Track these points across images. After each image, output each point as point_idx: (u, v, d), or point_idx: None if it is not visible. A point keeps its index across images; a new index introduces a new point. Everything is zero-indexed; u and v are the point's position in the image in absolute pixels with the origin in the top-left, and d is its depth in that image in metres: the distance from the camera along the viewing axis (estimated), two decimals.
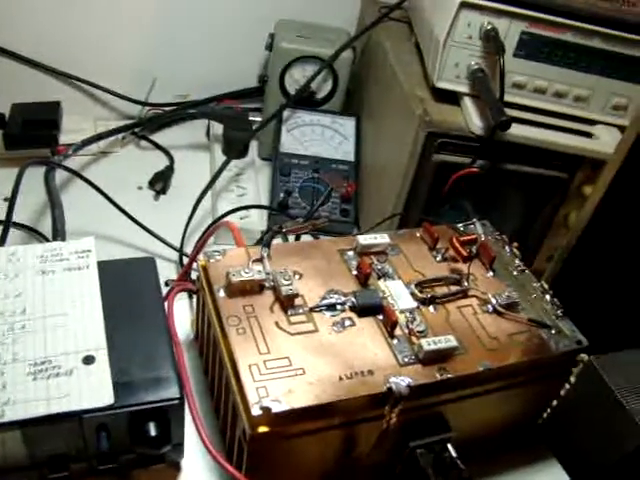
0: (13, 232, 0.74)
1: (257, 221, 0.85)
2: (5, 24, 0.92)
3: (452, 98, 0.74)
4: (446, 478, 0.49)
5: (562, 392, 0.58)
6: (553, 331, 0.54)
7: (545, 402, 0.57)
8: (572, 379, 0.58)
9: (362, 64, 0.95)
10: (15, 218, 0.74)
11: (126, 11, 0.95)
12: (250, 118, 0.95)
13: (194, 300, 0.64)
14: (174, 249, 0.81)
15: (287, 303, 0.50)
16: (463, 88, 0.73)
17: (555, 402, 0.58)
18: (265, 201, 0.90)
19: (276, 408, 0.44)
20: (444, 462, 0.50)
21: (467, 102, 0.72)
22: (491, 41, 0.69)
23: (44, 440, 0.45)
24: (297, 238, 0.71)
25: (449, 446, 0.50)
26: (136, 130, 0.98)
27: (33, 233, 0.80)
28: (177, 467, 0.52)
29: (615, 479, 0.56)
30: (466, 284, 0.55)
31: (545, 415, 0.58)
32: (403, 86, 0.77)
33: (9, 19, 0.92)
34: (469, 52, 0.71)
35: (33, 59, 0.95)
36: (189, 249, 0.81)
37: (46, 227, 0.80)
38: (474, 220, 0.62)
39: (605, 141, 0.73)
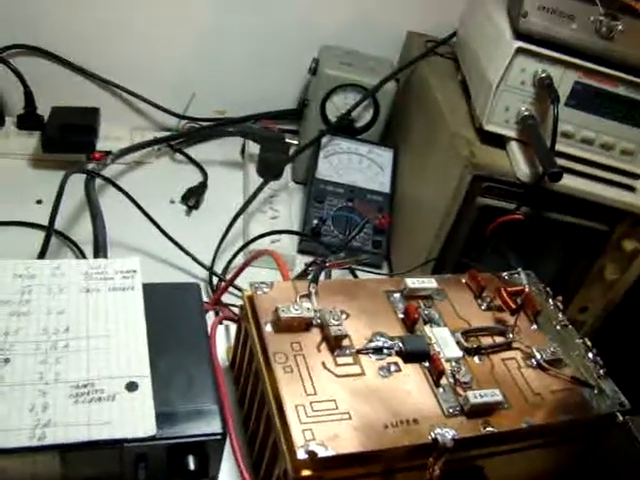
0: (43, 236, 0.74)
1: (288, 246, 0.84)
2: (51, 27, 0.92)
3: (498, 141, 0.73)
4: None
5: (598, 452, 0.57)
6: (595, 391, 0.53)
7: (582, 461, 0.57)
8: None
9: (404, 96, 0.94)
10: (46, 222, 0.74)
11: (173, 24, 0.96)
12: (286, 140, 0.95)
13: (230, 326, 0.64)
14: (205, 268, 0.80)
15: (335, 344, 0.50)
16: (511, 133, 0.72)
17: (593, 461, 0.57)
18: (297, 225, 0.89)
19: (322, 453, 0.43)
20: None
21: (514, 147, 0.72)
22: (544, 89, 0.69)
23: (81, 464, 0.45)
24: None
25: None
26: (172, 143, 0.97)
27: (66, 241, 0.80)
28: None
29: None
30: (511, 336, 0.55)
31: (582, 474, 0.58)
32: (449, 125, 0.76)
33: (55, 22, 0.92)
34: (520, 97, 0.71)
35: (76, 63, 0.95)
36: (218, 268, 0.81)
37: (80, 235, 0.80)
38: (519, 270, 0.61)
39: None
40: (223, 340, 0.62)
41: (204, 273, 0.81)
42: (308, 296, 0.53)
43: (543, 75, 0.69)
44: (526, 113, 0.71)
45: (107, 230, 0.69)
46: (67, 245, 0.80)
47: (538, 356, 0.54)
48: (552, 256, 0.76)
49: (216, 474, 0.49)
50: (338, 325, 0.50)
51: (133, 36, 0.95)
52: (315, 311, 0.51)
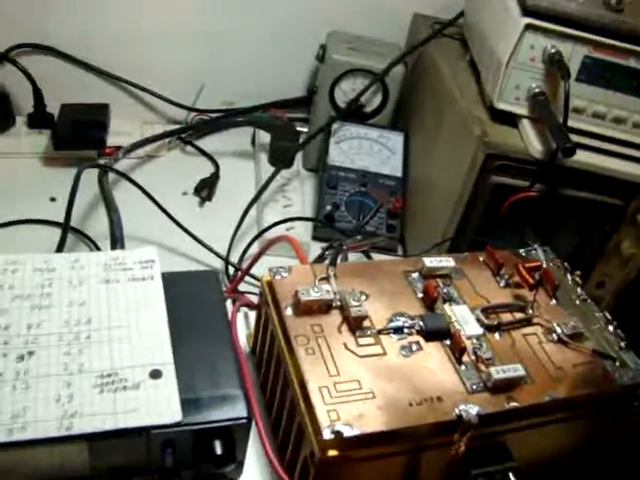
0: (58, 233, 0.74)
1: (302, 233, 0.84)
2: (56, 25, 0.92)
3: (509, 119, 0.73)
4: None
5: (622, 425, 0.57)
6: (617, 363, 0.53)
7: (605, 434, 0.57)
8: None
9: (412, 79, 0.94)
10: (60, 219, 0.74)
11: (178, 16, 0.95)
12: (297, 128, 0.95)
13: (249, 314, 0.64)
14: (221, 258, 0.80)
15: (356, 324, 0.50)
16: (522, 110, 0.72)
17: (615, 435, 0.57)
18: (310, 213, 0.90)
19: (347, 432, 0.43)
20: None
21: (526, 125, 0.72)
22: (555, 65, 0.68)
23: (108, 453, 0.45)
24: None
25: (511, 475, 0.50)
26: (182, 135, 0.97)
27: (80, 235, 0.80)
28: None
29: None
30: (531, 312, 0.55)
31: (604, 447, 0.58)
32: (459, 104, 0.76)
33: (60, 20, 0.92)
34: (530, 74, 0.70)
35: (83, 60, 0.95)
36: (233, 257, 0.81)
37: (94, 230, 0.80)
38: (535, 246, 0.61)
39: None
40: (243, 327, 0.63)
41: (220, 263, 0.81)
42: (327, 279, 0.53)
43: (553, 51, 0.69)
44: (537, 90, 0.70)
45: (123, 229, 0.69)
46: (82, 241, 0.80)
47: (559, 330, 0.54)
48: (568, 232, 0.76)
49: (243, 459, 0.49)
50: (358, 306, 0.50)
51: (139, 31, 0.95)
52: (335, 293, 0.51)
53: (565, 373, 0.51)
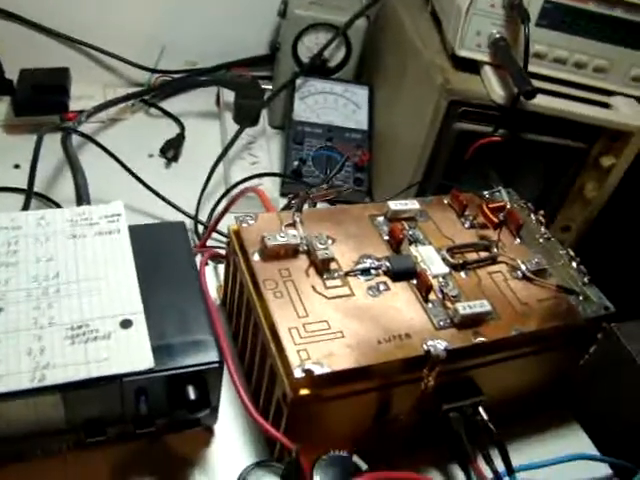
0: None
1: (270, 189, 0.85)
2: None
3: (471, 67, 0.73)
4: (477, 440, 0.50)
5: (585, 359, 0.58)
6: (581, 297, 0.54)
7: (570, 368, 0.58)
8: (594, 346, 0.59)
9: (375, 32, 0.94)
10: (24, 185, 0.73)
11: None
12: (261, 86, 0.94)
13: (218, 267, 0.64)
14: (189, 217, 0.80)
15: (323, 267, 0.50)
16: (484, 57, 0.72)
17: (579, 368, 0.59)
18: (277, 170, 0.90)
19: (318, 371, 0.44)
20: (476, 425, 0.51)
21: (487, 71, 0.72)
22: (515, 9, 0.69)
23: (83, 403, 0.45)
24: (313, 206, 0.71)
25: (480, 409, 0.51)
26: (145, 97, 0.96)
27: (45, 200, 0.80)
28: (211, 431, 0.52)
29: (635, 442, 0.57)
30: (496, 250, 0.56)
31: (569, 380, 0.59)
32: (422, 55, 0.76)
33: None
34: (491, 20, 0.71)
35: (41, 24, 0.93)
36: (202, 216, 0.81)
37: (61, 195, 0.79)
38: (499, 188, 0.62)
39: (624, 112, 0.73)
40: (213, 280, 0.63)
41: (189, 222, 0.81)
42: (293, 225, 0.53)
43: None
44: (497, 36, 0.71)
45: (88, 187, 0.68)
46: (48, 206, 0.80)
47: (523, 267, 0.55)
48: (533, 177, 0.77)
49: (217, 405, 0.50)
50: (325, 249, 0.50)
51: None
52: (301, 238, 0.52)
53: (531, 308, 0.52)
